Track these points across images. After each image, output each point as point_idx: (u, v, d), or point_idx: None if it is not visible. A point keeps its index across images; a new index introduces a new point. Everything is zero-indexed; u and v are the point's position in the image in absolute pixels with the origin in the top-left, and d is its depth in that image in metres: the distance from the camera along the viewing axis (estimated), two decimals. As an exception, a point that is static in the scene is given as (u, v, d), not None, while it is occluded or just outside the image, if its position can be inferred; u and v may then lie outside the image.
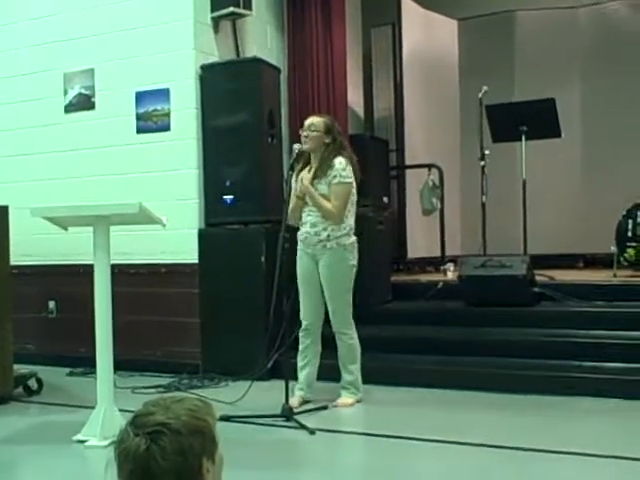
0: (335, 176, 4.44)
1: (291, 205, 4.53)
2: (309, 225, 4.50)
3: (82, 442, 3.81)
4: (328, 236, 4.47)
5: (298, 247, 4.56)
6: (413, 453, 3.69)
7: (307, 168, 4.55)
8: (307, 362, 4.60)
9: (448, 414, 4.36)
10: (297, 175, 4.56)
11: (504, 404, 4.51)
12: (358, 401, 4.57)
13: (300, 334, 4.61)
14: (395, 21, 7.53)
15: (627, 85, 7.52)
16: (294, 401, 4.47)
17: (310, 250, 4.52)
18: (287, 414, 4.16)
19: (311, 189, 4.45)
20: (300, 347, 4.61)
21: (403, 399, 4.74)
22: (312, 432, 3.94)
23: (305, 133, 4.50)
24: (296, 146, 4.49)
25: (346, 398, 4.55)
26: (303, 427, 4.01)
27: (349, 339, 4.57)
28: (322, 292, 4.53)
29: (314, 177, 4.48)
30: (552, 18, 7.87)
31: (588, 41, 7.80)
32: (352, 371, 4.59)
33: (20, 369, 5.08)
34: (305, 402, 4.56)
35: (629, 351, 4.77)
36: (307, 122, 4.56)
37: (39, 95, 6.25)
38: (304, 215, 4.53)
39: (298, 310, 4.62)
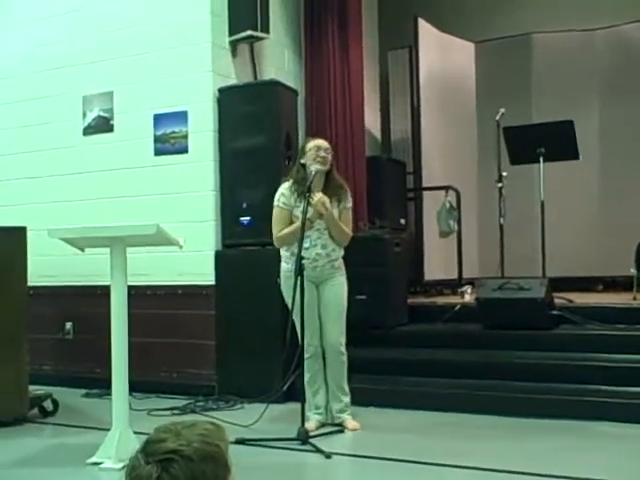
0: (350, 200, 4.61)
1: (294, 227, 4.44)
2: (320, 247, 4.49)
3: (97, 464, 3.80)
4: (337, 257, 4.56)
5: (294, 271, 4.29)
6: (427, 478, 3.64)
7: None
8: (319, 387, 4.58)
9: (464, 438, 4.31)
10: (299, 197, 4.46)
11: (521, 428, 4.46)
12: None
13: (307, 361, 4.53)
14: (412, 44, 7.55)
15: (645, 107, 7.48)
16: (311, 425, 4.44)
17: (316, 273, 4.50)
18: (303, 437, 4.12)
19: (332, 211, 4.46)
20: (308, 374, 4.55)
21: (418, 423, 4.69)
22: (328, 456, 3.91)
23: (323, 154, 4.50)
24: (316, 168, 4.44)
25: (353, 422, 4.53)
26: (319, 451, 3.97)
27: (346, 359, 4.58)
28: (320, 317, 4.55)
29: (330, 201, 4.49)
30: (569, 41, 7.86)
31: (605, 63, 7.78)
32: (348, 392, 4.60)
33: (36, 390, 5.07)
34: (322, 425, 4.53)
35: (650, 375, 4.70)
36: (321, 143, 4.56)
37: (58, 118, 6.31)
38: (312, 238, 4.47)
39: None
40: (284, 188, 4.54)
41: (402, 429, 4.57)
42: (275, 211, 4.54)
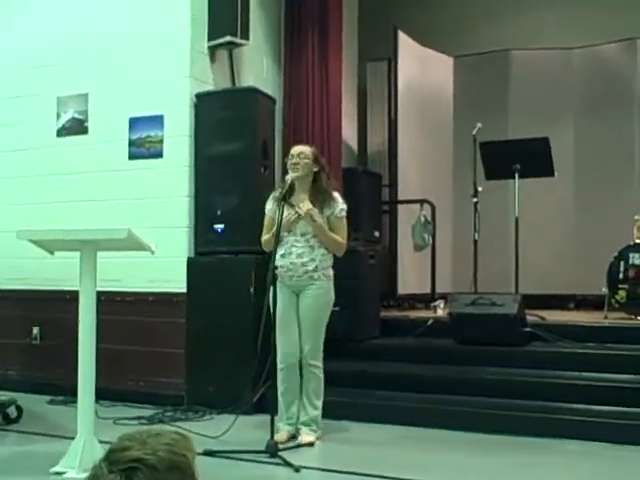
0: (342, 210, 4.50)
1: (270, 234, 4.46)
2: (295, 256, 4.42)
3: (60, 474, 3.71)
4: (316, 267, 4.43)
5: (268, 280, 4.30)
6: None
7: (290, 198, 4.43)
8: (293, 398, 4.51)
9: (433, 453, 4.29)
10: (279, 205, 4.45)
11: (490, 444, 4.45)
12: (318, 438, 4.47)
13: (281, 372, 4.46)
14: (391, 56, 7.57)
15: (620, 125, 7.55)
16: (281, 436, 4.38)
17: (293, 282, 4.44)
18: (272, 450, 4.06)
19: (321, 220, 4.41)
20: (283, 385, 4.48)
21: (388, 437, 4.65)
22: (297, 469, 3.85)
23: (295, 160, 4.46)
24: (289, 176, 4.44)
25: (308, 436, 4.43)
26: (288, 464, 3.92)
27: (320, 372, 4.50)
28: (298, 326, 4.47)
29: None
30: (547, 58, 7.93)
31: (582, 82, 7.85)
32: (318, 406, 4.50)
33: (0, 396, 4.97)
34: (292, 436, 4.47)
35: (619, 394, 4.70)
36: (295, 150, 4.53)
37: (31, 118, 6.21)
38: (286, 246, 4.42)
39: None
40: (272, 195, 4.63)
41: (372, 443, 4.53)
42: (266, 217, 4.61)
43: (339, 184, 6.45)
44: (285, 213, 4.36)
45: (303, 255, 4.43)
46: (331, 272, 4.51)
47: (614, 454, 4.22)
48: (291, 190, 4.46)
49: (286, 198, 4.38)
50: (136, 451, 1.31)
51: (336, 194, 4.55)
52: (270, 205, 4.59)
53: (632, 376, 4.85)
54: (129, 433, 1.38)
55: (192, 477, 1.36)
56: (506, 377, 5.09)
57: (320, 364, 4.50)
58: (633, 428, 4.43)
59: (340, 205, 4.51)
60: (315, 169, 4.50)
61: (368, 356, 5.63)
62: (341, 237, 4.49)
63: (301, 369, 4.51)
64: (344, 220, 4.53)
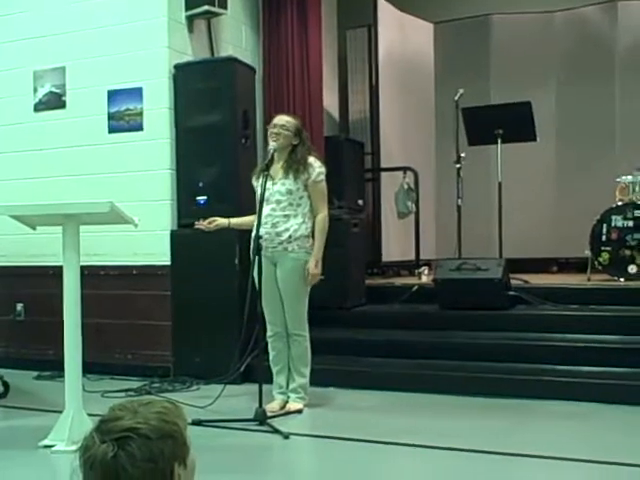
0: (319, 174, 4.44)
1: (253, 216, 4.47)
2: (270, 225, 4.39)
3: (49, 447, 3.71)
4: (290, 237, 4.38)
5: (251, 250, 4.32)
6: (385, 457, 3.65)
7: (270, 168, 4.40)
8: (282, 366, 4.53)
9: (421, 418, 4.33)
10: (258, 175, 4.51)
11: (475, 407, 4.50)
12: (306, 405, 4.50)
13: (270, 339, 4.49)
14: (371, 23, 7.51)
15: (602, 89, 7.56)
16: (275, 405, 4.42)
17: (269, 253, 4.40)
18: (260, 418, 4.08)
19: (317, 257, 4.39)
20: (272, 353, 4.52)
21: (376, 403, 4.69)
22: (286, 436, 3.88)
23: (276, 130, 4.42)
24: (270, 146, 4.42)
25: (296, 403, 4.46)
26: (277, 431, 3.94)
27: (304, 341, 4.50)
28: (279, 296, 4.47)
29: (284, 175, 4.42)
30: (528, 22, 7.90)
31: (563, 45, 7.85)
32: (305, 374, 4.52)
33: (-14, 372, 4.97)
34: (285, 405, 4.49)
35: (603, 355, 4.76)
36: (277, 120, 4.48)
37: (7, 93, 6.12)
38: (263, 215, 4.35)
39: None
40: (254, 170, 4.63)
41: (360, 409, 4.56)
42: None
43: (321, 153, 6.45)
44: (267, 185, 4.33)
45: (277, 225, 4.40)
46: (308, 242, 4.44)
47: (599, 414, 4.27)
48: (272, 160, 4.44)
49: (267, 168, 4.36)
50: (128, 420, 1.31)
51: (312, 159, 4.45)
52: (254, 179, 4.60)
53: (615, 337, 4.91)
54: (120, 403, 1.38)
55: (184, 445, 1.36)
56: (491, 341, 5.13)
57: (304, 333, 4.50)
58: (617, 388, 4.49)
59: (317, 169, 4.43)
60: (294, 142, 4.44)
61: (355, 323, 5.66)
62: (319, 202, 4.44)
63: (288, 338, 4.52)
64: (323, 184, 4.46)
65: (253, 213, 4.49)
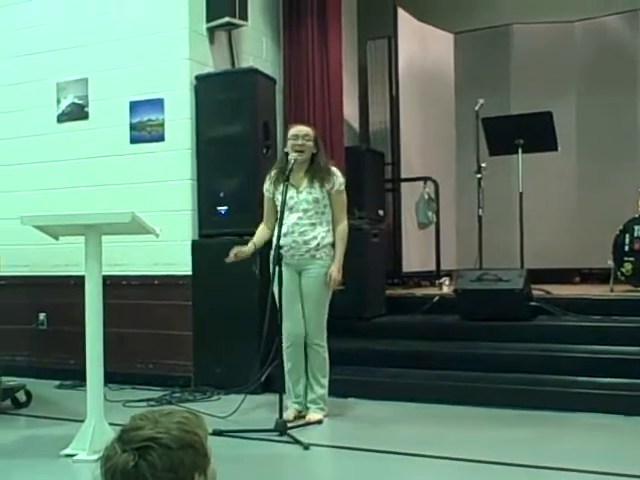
0: (341, 183, 4.52)
1: (264, 225, 4.59)
2: (297, 234, 4.42)
3: (71, 456, 3.73)
4: (318, 245, 4.43)
5: (272, 259, 4.32)
6: (406, 468, 3.63)
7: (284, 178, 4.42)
8: (299, 376, 4.53)
9: (442, 429, 4.30)
10: (275, 183, 4.53)
11: (496, 419, 4.46)
12: (326, 416, 4.48)
13: (287, 350, 4.49)
14: (391, 34, 7.51)
15: (623, 99, 7.51)
16: (289, 414, 4.40)
17: (295, 261, 4.43)
18: (281, 429, 4.08)
19: (339, 265, 4.44)
20: (289, 364, 4.51)
21: (395, 414, 4.66)
22: (306, 447, 3.87)
23: (300, 142, 4.45)
24: (292, 157, 4.42)
25: (316, 414, 4.45)
26: (297, 442, 3.94)
27: (323, 351, 4.51)
28: (302, 305, 4.47)
29: (309, 184, 4.46)
30: (548, 32, 7.87)
31: (584, 55, 7.80)
32: (324, 385, 4.52)
33: (8, 381, 4.99)
34: (300, 415, 4.49)
35: (626, 366, 4.71)
36: (297, 130, 4.50)
37: (31, 105, 6.18)
38: (289, 224, 4.40)
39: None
40: (268, 175, 4.62)
41: (380, 420, 4.55)
42: (265, 199, 4.64)
43: (341, 163, 6.47)
44: (289, 194, 4.37)
45: (305, 233, 4.43)
46: (332, 250, 4.50)
47: (622, 426, 4.22)
48: (291, 169, 4.46)
49: (289, 178, 4.39)
50: (149, 430, 1.32)
51: (334, 168, 4.57)
52: (267, 185, 4.60)
53: (639, 348, 4.85)
54: (141, 413, 1.39)
55: (205, 455, 1.37)
56: (513, 352, 5.10)
57: (324, 343, 4.51)
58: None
59: (339, 179, 4.52)
60: (314, 151, 4.50)
61: (375, 334, 5.65)
62: (341, 211, 4.52)
63: (306, 348, 4.52)
64: (344, 194, 4.55)
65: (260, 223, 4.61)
